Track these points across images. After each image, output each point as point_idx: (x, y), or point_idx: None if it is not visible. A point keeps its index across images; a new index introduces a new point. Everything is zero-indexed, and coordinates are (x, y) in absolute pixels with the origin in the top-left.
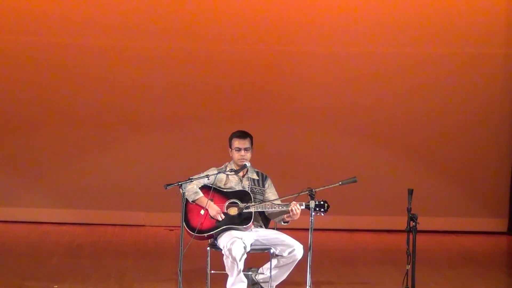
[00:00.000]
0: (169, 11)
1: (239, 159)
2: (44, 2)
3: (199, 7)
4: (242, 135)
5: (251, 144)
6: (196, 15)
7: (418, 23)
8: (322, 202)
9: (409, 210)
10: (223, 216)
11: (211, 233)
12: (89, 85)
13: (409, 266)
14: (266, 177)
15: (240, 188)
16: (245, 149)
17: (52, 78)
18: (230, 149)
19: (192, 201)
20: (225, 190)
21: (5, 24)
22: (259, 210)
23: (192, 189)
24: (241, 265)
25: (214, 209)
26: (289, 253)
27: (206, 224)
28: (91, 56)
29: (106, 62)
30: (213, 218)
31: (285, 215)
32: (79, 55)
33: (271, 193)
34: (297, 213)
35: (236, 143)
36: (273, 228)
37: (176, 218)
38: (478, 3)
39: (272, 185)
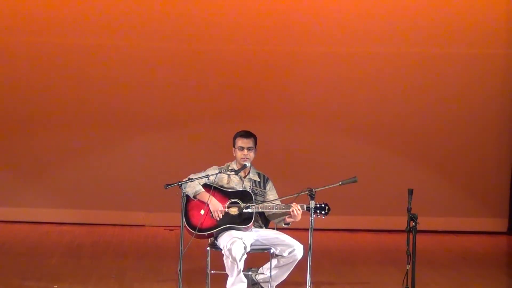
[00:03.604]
0: (170, 12)
1: (242, 158)
2: (44, 2)
3: (200, 7)
4: (246, 134)
5: (255, 144)
6: (197, 15)
7: (418, 23)
8: (323, 205)
9: (409, 210)
10: (223, 213)
11: (212, 232)
12: (89, 85)
13: (409, 266)
14: (267, 179)
15: (242, 188)
16: (248, 149)
17: (52, 78)
18: (234, 148)
19: (193, 197)
20: (226, 190)
21: (5, 24)
22: (260, 210)
23: (193, 184)
24: (241, 265)
25: (215, 205)
26: (289, 253)
27: (207, 223)
28: (91, 56)
29: (106, 62)
30: (213, 216)
31: (286, 217)
32: (79, 55)
33: (272, 195)
34: (298, 214)
35: (240, 142)
36: (273, 228)
37: (176, 218)
38: (478, 3)
39: (273, 187)
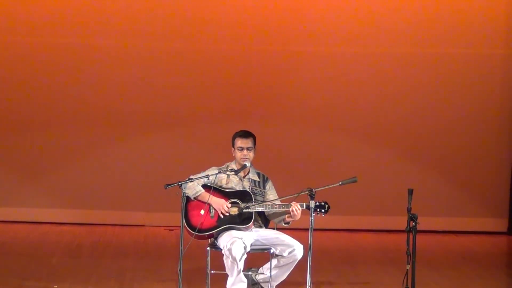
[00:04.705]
0: (171, 12)
1: (241, 159)
2: (44, 2)
3: (200, 7)
4: (245, 134)
5: (254, 143)
6: (197, 15)
7: (418, 23)
8: (322, 203)
9: (409, 210)
10: (229, 206)
11: (211, 232)
12: (89, 85)
13: (409, 266)
14: (267, 178)
15: (241, 188)
16: (248, 149)
17: (52, 78)
18: (233, 149)
19: (193, 198)
20: (225, 190)
21: (5, 24)
22: (260, 210)
23: (193, 186)
24: (241, 265)
25: (219, 202)
26: (289, 253)
27: (207, 224)
28: (90, 56)
29: (106, 62)
30: (215, 215)
31: (286, 216)
32: (79, 55)
33: (271, 195)
34: (297, 213)
35: (239, 142)
36: (273, 228)
37: (176, 218)
38: (478, 3)
39: (273, 187)
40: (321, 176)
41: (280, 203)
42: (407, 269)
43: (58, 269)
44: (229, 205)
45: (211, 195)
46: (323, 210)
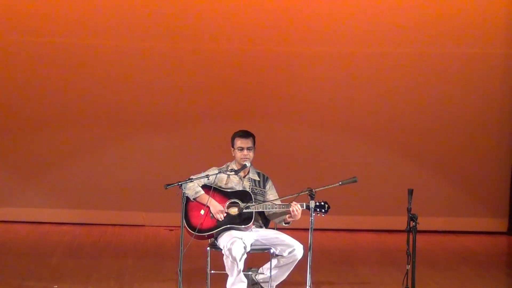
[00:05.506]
0: (171, 12)
1: (241, 159)
2: (45, 2)
3: (200, 7)
4: (245, 134)
5: (254, 143)
6: (197, 15)
7: (418, 23)
8: (322, 203)
9: (409, 210)
10: (224, 215)
11: (211, 232)
12: (89, 85)
13: (409, 266)
14: (267, 178)
15: (241, 188)
16: (248, 149)
17: (52, 78)
18: (233, 149)
19: (193, 199)
20: (225, 190)
21: (6, 24)
22: (260, 210)
23: (193, 187)
24: (241, 265)
25: (216, 207)
26: (289, 253)
27: (207, 224)
28: (91, 56)
29: (105, 62)
30: (214, 217)
31: (287, 216)
32: (79, 55)
33: (272, 194)
34: (298, 213)
35: (239, 142)
36: (273, 228)
37: (176, 218)
38: (478, 3)
39: (273, 186)
40: (321, 176)
41: (280, 203)
42: (407, 269)
43: (58, 269)
44: (225, 214)
45: (210, 198)
46: (323, 210)
